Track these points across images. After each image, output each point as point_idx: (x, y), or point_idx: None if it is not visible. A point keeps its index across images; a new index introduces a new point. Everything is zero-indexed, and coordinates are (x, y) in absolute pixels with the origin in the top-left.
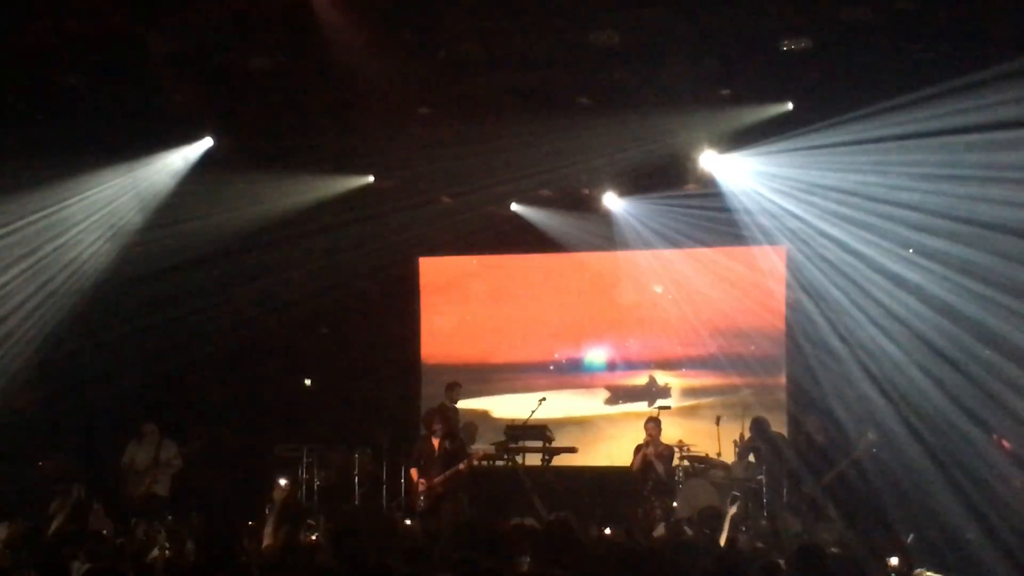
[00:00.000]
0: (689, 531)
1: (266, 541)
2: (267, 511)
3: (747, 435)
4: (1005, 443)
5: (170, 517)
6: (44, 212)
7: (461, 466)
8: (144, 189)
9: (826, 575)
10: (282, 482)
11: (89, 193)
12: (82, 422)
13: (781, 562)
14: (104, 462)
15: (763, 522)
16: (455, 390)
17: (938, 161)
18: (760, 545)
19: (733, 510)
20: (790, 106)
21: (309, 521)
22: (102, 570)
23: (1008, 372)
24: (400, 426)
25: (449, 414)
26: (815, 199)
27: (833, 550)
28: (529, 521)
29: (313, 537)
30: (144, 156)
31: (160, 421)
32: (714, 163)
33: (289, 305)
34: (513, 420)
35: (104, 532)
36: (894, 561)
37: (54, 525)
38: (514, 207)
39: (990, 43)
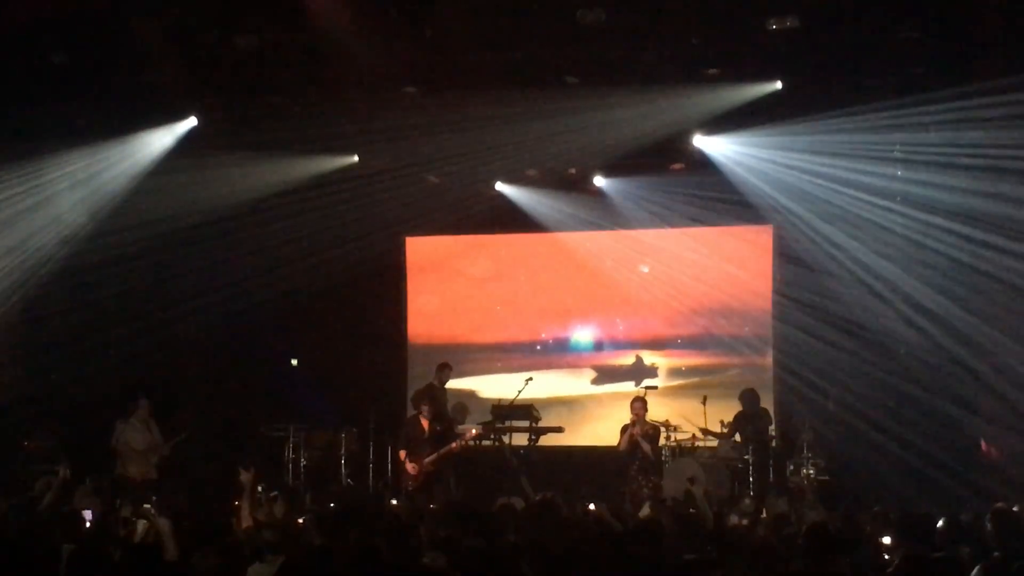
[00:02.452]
0: (675, 510)
1: (244, 523)
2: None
3: (732, 417)
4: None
5: (154, 498)
6: (23, 190)
7: (454, 445)
8: (126, 169)
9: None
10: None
11: (70, 172)
12: (67, 402)
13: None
14: (89, 442)
15: (747, 501)
16: (445, 372)
17: (926, 138)
18: (746, 523)
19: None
20: (779, 85)
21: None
22: (87, 551)
23: (996, 351)
24: (386, 406)
25: (438, 395)
26: (802, 179)
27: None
28: (516, 501)
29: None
30: (127, 136)
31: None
32: (702, 142)
33: (276, 285)
34: (500, 400)
35: (89, 512)
36: (886, 540)
37: (43, 505)
38: (500, 187)
39: (978, 23)
